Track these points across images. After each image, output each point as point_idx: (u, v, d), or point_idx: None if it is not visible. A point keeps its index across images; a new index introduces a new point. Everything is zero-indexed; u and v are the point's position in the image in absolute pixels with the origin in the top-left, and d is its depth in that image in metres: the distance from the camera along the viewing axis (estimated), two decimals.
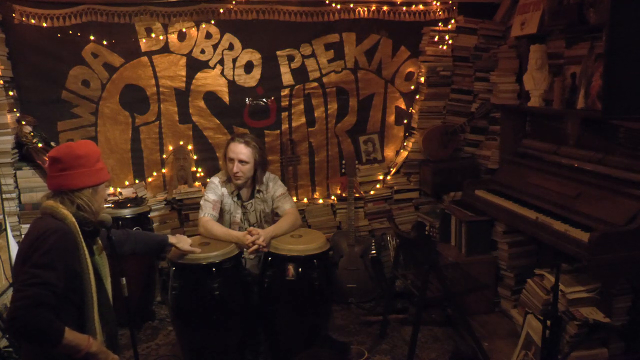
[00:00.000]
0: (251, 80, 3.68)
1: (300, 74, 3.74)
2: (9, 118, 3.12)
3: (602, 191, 2.54)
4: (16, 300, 1.61)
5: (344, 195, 3.81)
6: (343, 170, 3.70)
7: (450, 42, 3.78)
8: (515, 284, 3.22)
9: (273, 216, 3.06)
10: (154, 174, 3.69)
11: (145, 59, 3.51)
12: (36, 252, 1.66)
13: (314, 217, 3.83)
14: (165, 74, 3.55)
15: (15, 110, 3.27)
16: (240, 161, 2.82)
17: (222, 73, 3.62)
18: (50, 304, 1.62)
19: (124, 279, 1.90)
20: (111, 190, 3.53)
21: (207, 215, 2.83)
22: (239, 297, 2.63)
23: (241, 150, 2.82)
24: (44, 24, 3.27)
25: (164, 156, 3.68)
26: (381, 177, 3.97)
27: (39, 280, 1.61)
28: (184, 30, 3.50)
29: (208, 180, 3.12)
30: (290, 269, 2.62)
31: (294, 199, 3.71)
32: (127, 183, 3.63)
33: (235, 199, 2.96)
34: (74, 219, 1.77)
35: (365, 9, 3.71)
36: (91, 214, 1.85)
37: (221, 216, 2.98)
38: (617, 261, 2.26)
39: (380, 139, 3.99)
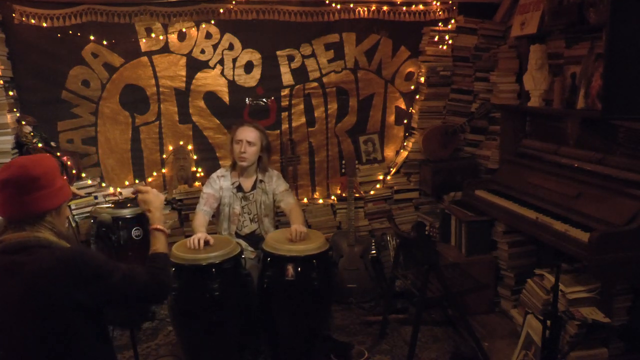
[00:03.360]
0: (251, 80, 3.68)
1: (300, 74, 3.74)
2: (9, 118, 3.12)
3: (602, 191, 2.54)
4: (144, 292, 1.66)
5: (344, 195, 3.81)
6: (343, 170, 3.70)
7: (450, 42, 3.78)
8: (515, 284, 3.22)
9: (273, 209, 3.18)
10: (154, 174, 3.69)
11: (145, 59, 3.51)
12: (92, 277, 1.53)
13: (314, 217, 3.83)
14: (165, 74, 3.55)
15: (15, 110, 3.27)
16: (248, 142, 3.00)
17: (222, 73, 3.62)
18: (141, 272, 1.67)
19: None
20: (111, 190, 3.54)
21: (198, 209, 3.04)
22: (239, 297, 2.63)
23: (250, 133, 3.02)
24: (44, 24, 3.28)
25: (164, 156, 3.68)
26: (381, 177, 3.97)
27: (123, 273, 1.60)
28: (184, 30, 3.50)
29: (207, 179, 3.16)
30: (290, 269, 2.62)
31: None
32: (127, 183, 3.63)
33: (235, 190, 3.02)
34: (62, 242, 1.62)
35: (365, 9, 3.71)
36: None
37: (220, 210, 3.09)
38: (617, 261, 2.26)
39: (380, 139, 3.99)
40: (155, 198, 1.95)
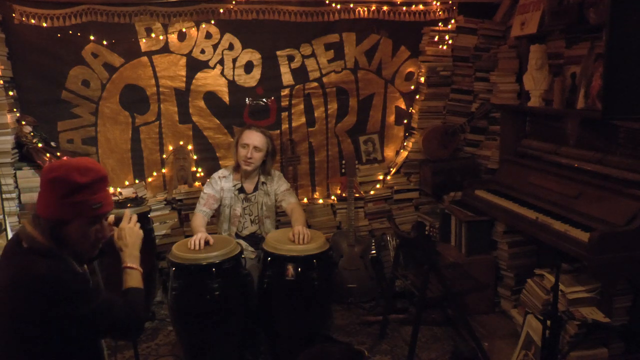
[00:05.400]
0: (251, 80, 3.68)
1: (300, 74, 3.74)
2: (9, 118, 3.12)
3: (602, 191, 2.54)
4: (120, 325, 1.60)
5: (344, 195, 3.81)
6: (343, 170, 3.70)
7: (450, 42, 3.78)
8: (515, 284, 3.22)
9: (275, 210, 3.20)
10: (154, 174, 3.69)
11: (145, 59, 3.50)
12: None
13: (314, 217, 3.83)
14: (165, 74, 3.55)
15: (15, 110, 3.27)
16: (255, 147, 2.98)
17: (222, 73, 3.62)
18: (119, 305, 1.61)
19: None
20: (111, 190, 3.53)
21: (196, 210, 3.05)
22: (239, 297, 2.63)
23: (257, 138, 3.00)
24: (44, 24, 3.27)
25: (164, 156, 3.68)
26: (381, 177, 3.97)
27: (99, 303, 1.55)
28: (184, 30, 3.50)
29: (208, 179, 3.16)
30: (290, 269, 2.63)
31: None
32: (127, 183, 3.63)
33: (237, 192, 3.03)
34: None
35: (365, 9, 3.71)
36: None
37: (221, 211, 3.09)
38: (617, 261, 2.26)
39: (380, 139, 3.99)
40: (129, 235, 1.81)
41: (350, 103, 3.88)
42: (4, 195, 3.09)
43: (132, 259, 1.78)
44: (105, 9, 3.34)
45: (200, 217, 2.97)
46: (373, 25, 3.77)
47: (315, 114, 3.84)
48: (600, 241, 2.22)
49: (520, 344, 2.58)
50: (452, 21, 3.80)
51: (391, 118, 3.99)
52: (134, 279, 1.75)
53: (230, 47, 3.60)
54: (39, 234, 1.53)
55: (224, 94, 3.66)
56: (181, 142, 3.67)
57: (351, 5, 3.68)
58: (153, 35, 3.46)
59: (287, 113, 3.79)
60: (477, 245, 3.35)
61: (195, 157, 3.71)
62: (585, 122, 2.84)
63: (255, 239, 3.12)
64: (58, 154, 3.32)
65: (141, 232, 1.86)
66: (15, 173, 3.24)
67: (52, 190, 1.52)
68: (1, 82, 3.10)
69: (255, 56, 3.64)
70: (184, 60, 3.56)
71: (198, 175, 3.71)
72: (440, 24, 3.81)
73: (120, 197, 3.47)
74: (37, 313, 1.45)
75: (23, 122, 3.24)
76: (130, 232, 1.81)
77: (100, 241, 1.66)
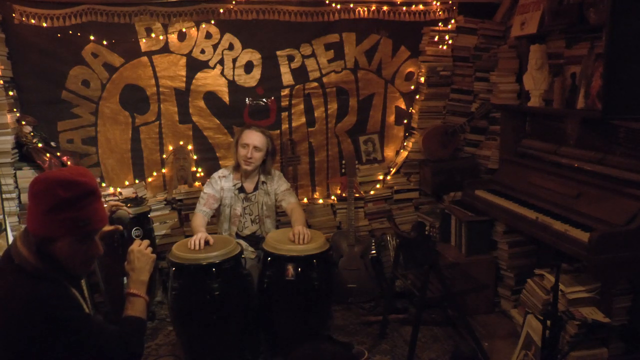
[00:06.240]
0: (251, 80, 3.67)
1: (300, 74, 3.74)
2: (9, 118, 3.12)
3: (602, 191, 2.54)
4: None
5: (344, 195, 3.81)
6: (343, 170, 3.70)
7: (450, 42, 3.78)
8: (515, 284, 3.22)
9: (275, 210, 3.20)
10: (154, 174, 3.69)
11: (145, 59, 3.50)
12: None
13: (314, 217, 3.83)
14: (165, 74, 3.55)
15: (15, 110, 3.27)
16: (255, 147, 2.99)
17: (222, 73, 3.62)
18: (112, 335, 1.51)
19: (125, 278, 1.90)
20: (111, 190, 3.54)
21: (197, 210, 3.06)
22: (239, 297, 2.63)
23: (257, 137, 3.01)
24: (44, 24, 3.27)
25: (164, 156, 3.68)
26: (381, 177, 3.97)
27: (91, 330, 1.46)
28: (184, 30, 3.50)
29: (208, 179, 3.16)
30: (290, 269, 2.63)
31: None
32: (127, 183, 3.63)
33: (237, 191, 3.03)
34: None
35: (365, 9, 3.71)
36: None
37: (221, 211, 3.10)
38: (617, 261, 2.26)
39: (380, 139, 3.99)
40: (137, 258, 1.71)
41: (350, 103, 3.88)
42: (4, 195, 3.09)
43: (137, 285, 1.66)
44: (105, 9, 3.34)
45: (200, 217, 2.97)
46: (373, 26, 3.76)
47: (315, 114, 3.84)
48: (600, 241, 2.22)
49: (520, 344, 2.58)
50: (452, 21, 3.80)
51: (391, 118, 3.99)
52: (135, 307, 1.61)
53: (230, 47, 3.60)
54: (26, 250, 1.44)
55: (224, 94, 3.66)
56: (181, 142, 3.67)
57: (351, 5, 3.68)
58: (153, 35, 3.46)
59: (287, 113, 3.79)
60: (477, 245, 3.35)
61: (195, 157, 3.71)
62: (585, 122, 2.84)
63: (255, 239, 3.12)
64: (58, 154, 3.32)
65: (153, 255, 1.76)
66: (15, 173, 3.24)
67: (36, 205, 1.43)
68: (1, 82, 3.09)
69: (255, 56, 3.64)
70: (184, 60, 3.56)
71: (198, 175, 3.71)
72: (440, 24, 3.81)
73: (120, 197, 3.48)
74: (19, 336, 1.37)
75: (23, 122, 3.24)
76: (139, 255, 1.71)
77: (93, 259, 1.56)
